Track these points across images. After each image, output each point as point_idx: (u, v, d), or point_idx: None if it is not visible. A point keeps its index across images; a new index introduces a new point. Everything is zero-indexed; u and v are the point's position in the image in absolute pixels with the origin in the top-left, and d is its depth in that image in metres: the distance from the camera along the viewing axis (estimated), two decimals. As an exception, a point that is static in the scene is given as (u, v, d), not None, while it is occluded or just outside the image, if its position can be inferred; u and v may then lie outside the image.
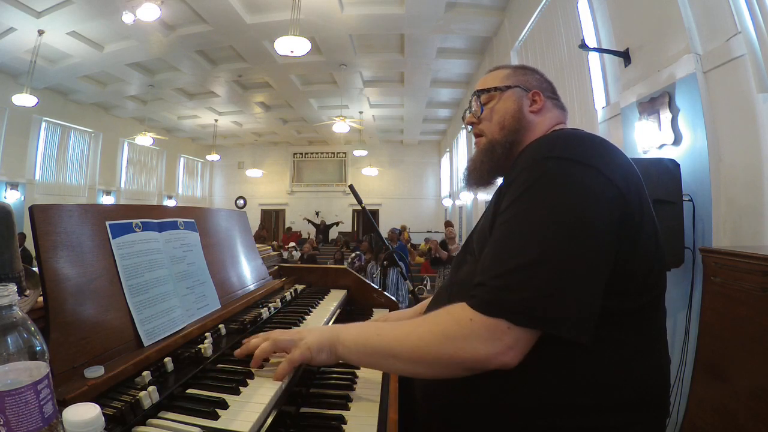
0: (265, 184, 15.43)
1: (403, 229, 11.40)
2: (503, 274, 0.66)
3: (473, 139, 0.98)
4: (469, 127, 0.97)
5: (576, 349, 0.66)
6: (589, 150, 0.71)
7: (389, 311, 1.57)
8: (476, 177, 0.93)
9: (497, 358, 0.65)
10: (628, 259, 0.68)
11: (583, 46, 2.91)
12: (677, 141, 2.32)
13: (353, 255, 5.44)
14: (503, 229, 0.71)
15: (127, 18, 5.10)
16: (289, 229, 13.30)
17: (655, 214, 0.74)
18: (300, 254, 8.15)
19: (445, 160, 13.43)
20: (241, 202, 15.58)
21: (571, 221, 0.65)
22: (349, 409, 0.80)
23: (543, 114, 0.90)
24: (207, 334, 0.89)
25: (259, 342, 0.82)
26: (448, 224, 8.05)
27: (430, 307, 0.96)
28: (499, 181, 0.89)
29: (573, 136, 0.76)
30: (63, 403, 0.51)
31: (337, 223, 14.00)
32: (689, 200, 2.14)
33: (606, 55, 3.14)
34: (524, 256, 0.65)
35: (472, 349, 0.66)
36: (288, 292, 1.44)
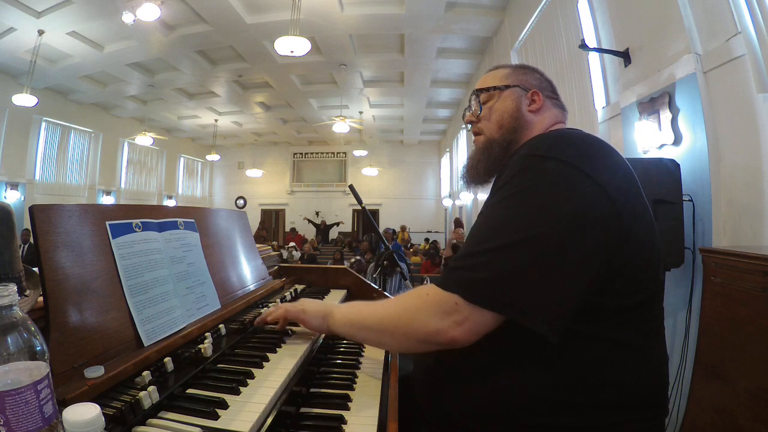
0: (265, 184, 15.44)
1: (403, 229, 11.38)
2: (468, 255, 0.70)
3: (473, 138, 0.98)
4: (469, 126, 0.98)
5: (570, 347, 0.66)
6: (577, 151, 0.71)
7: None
8: (473, 175, 0.95)
9: (447, 333, 0.68)
10: (613, 259, 0.67)
11: (583, 46, 2.91)
12: (677, 141, 2.32)
13: (353, 260, 5.44)
14: (481, 219, 0.75)
15: (127, 18, 5.10)
16: (293, 230, 13.29)
17: (653, 216, 0.74)
18: (300, 254, 8.15)
19: (445, 160, 13.42)
20: (241, 202, 15.58)
21: (544, 216, 0.66)
22: (349, 409, 0.80)
23: (541, 113, 0.90)
24: (207, 334, 0.89)
25: (272, 310, 1.04)
26: (458, 223, 8.01)
27: None
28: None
29: (564, 136, 0.77)
30: (63, 403, 0.51)
31: (337, 224, 14.00)
32: (689, 200, 2.14)
33: (606, 55, 3.14)
34: (491, 242, 0.68)
35: (424, 321, 0.70)
36: (288, 292, 1.43)
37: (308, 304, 1.00)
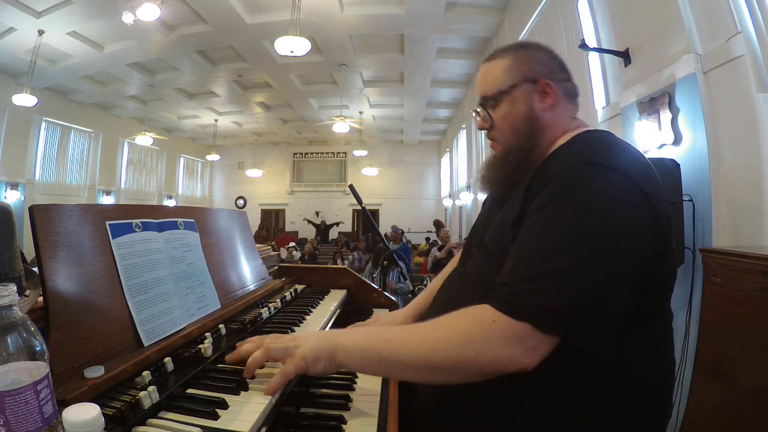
0: (265, 184, 15.44)
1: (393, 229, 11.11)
2: (531, 278, 0.64)
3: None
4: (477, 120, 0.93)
5: (587, 354, 0.65)
6: (618, 155, 0.69)
7: (389, 311, 1.57)
8: (494, 186, 0.90)
9: (519, 361, 0.63)
10: (657, 266, 0.67)
11: (583, 46, 2.91)
12: (677, 141, 2.32)
13: (351, 256, 5.43)
14: (534, 231, 0.68)
15: (127, 18, 5.10)
16: (282, 229, 13.36)
17: None
18: (300, 254, 8.16)
19: (445, 160, 13.43)
20: (241, 202, 15.58)
21: (605, 232, 0.63)
22: (349, 409, 0.80)
23: (557, 109, 0.83)
24: (207, 334, 0.89)
25: (251, 348, 0.76)
26: (439, 224, 8.04)
27: (437, 299, 0.96)
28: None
29: (602, 141, 0.74)
30: (63, 403, 0.51)
31: (337, 224, 14.00)
32: (689, 200, 2.14)
33: (606, 55, 3.14)
34: (555, 262, 0.63)
35: (494, 351, 0.63)
36: (288, 292, 1.43)
37: (305, 345, 0.74)
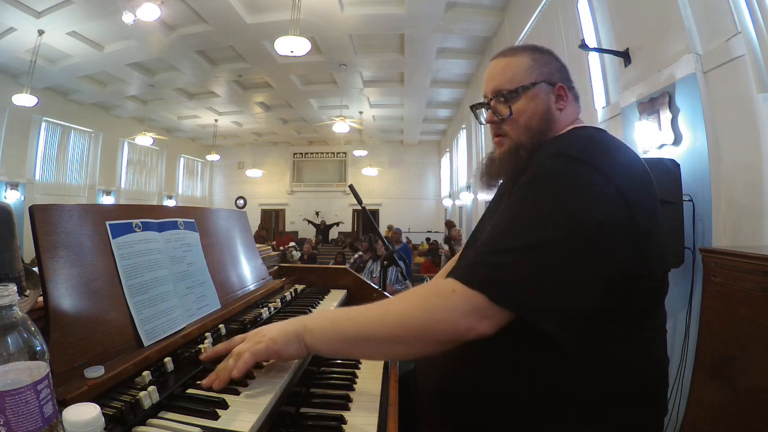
0: (265, 184, 15.44)
1: (389, 228, 11.00)
2: (493, 252, 0.67)
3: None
4: (480, 109, 0.93)
5: (580, 346, 0.67)
6: (602, 153, 0.71)
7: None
8: (497, 179, 0.91)
9: (476, 328, 0.65)
10: (630, 262, 0.68)
11: (583, 46, 2.90)
12: (677, 141, 2.32)
13: (356, 256, 5.43)
14: (505, 212, 0.72)
15: (127, 18, 5.10)
16: (282, 231, 13.41)
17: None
18: (300, 254, 8.16)
19: (445, 160, 13.43)
20: (241, 202, 15.58)
21: (571, 219, 0.65)
22: (349, 409, 0.80)
23: (566, 111, 0.86)
24: (207, 334, 0.89)
25: (221, 349, 0.78)
26: (450, 224, 8.15)
27: None
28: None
29: (595, 138, 0.76)
30: (63, 403, 0.51)
31: (337, 224, 14.00)
32: (689, 200, 2.14)
33: (606, 55, 3.14)
34: (518, 240, 0.66)
35: (453, 319, 0.66)
36: (288, 292, 1.43)
37: (271, 331, 0.77)
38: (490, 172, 0.91)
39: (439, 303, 0.67)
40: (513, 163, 0.84)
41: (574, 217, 0.65)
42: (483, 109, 0.92)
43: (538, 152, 0.77)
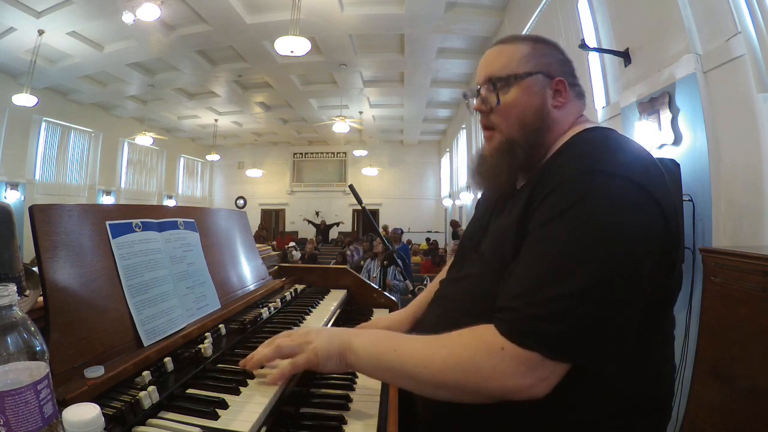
0: (265, 184, 15.44)
1: (385, 229, 10.97)
2: (540, 302, 0.60)
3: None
4: (472, 101, 0.85)
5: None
6: (632, 162, 0.65)
7: (389, 311, 1.57)
8: (492, 182, 0.83)
9: (528, 391, 0.60)
10: (667, 277, 0.66)
11: (583, 46, 2.91)
12: (677, 141, 2.32)
13: (351, 247, 5.43)
14: (542, 248, 0.63)
15: (127, 18, 5.10)
16: (282, 231, 13.45)
17: None
18: (300, 254, 8.16)
19: (445, 160, 13.43)
20: (241, 202, 15.58)
21: (617, 251, 0.59)
22: (349, 409, 0.80)
23: (566, 108, 0.78)
24: (207, 334, 0.89)
25: (268, 353, 0.77)
26: (456, 224, 8.26)
27: (434, 305, 0.95)
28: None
29: (611, 142, 0.70)
30: (63, 403, 0.51)
31: (337, 224, 14.00)
32: (689, 200, 2.14)
33: (606, 55, 3.14)
34: (565, 285, 0.59)
35: (502, 380, 0.61)
36: (288, 292, 1.43)
37: (317, 339, 0.75)
38: (481, 170, 0.84)
39: (486, 362, 0.61)
40: (509, 162, 0.78)
41: (622, 246, 0.60)
42: (473, 99, 0.84)
43: (558, 166, 0.68)
